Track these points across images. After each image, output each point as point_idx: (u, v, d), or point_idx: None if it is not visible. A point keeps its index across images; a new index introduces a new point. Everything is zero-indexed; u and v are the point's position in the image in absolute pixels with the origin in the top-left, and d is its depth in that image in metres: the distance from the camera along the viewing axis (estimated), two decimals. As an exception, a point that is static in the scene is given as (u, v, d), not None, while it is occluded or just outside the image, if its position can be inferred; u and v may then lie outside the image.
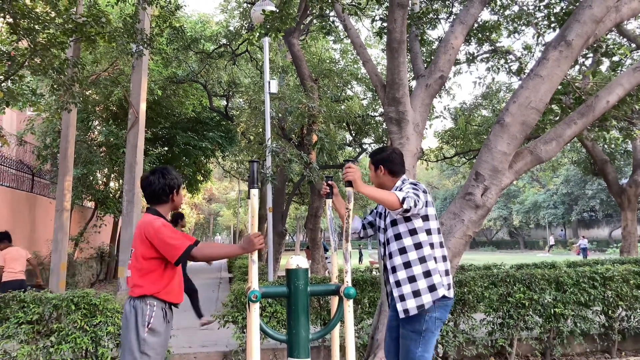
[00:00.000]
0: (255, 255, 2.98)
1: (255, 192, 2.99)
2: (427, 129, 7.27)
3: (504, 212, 54.32)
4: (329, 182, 3.41)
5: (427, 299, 3.14)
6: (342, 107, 12.69)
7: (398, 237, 3.25)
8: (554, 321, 6.35)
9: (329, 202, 3.39)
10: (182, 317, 9.36)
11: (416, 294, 3.15)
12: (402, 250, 3.22)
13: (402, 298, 3.18)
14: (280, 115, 10.72)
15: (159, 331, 3.05)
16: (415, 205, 3.08)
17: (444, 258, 3.29)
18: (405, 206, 3.04)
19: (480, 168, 5.01)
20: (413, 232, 3.22)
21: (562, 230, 52.34)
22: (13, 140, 14.96)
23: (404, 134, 5.32)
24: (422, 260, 3.18)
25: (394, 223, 3.30)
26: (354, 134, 15.00)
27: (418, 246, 3.20)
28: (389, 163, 3.47)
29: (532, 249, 50.78)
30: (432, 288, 3.15)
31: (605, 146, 14.86)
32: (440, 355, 5.70)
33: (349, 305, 2.95)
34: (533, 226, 54.36)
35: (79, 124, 14.26)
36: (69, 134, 10.44)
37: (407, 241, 3.21)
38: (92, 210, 17.41)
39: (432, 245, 3.23)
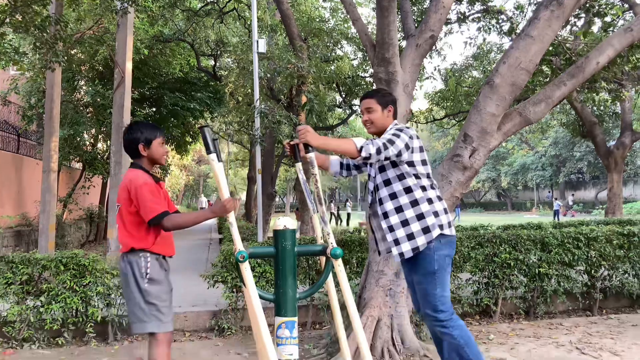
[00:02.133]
0: (232, 218, 2.97)
1: (213, 157, 2.95)
2: (417, 90, 7.22)
3: (493, 174, 54.66)
4: (291, 142, 3.30)
5: (421, 241, 3.17)
6: (332, 67, 12.55)
7: (387, 182, 3.27)
8: (538, 281, 6.47)
9: (298, 165, 3.37)
10: (172, 278, 9.43)
11: (410, 237, 3.18)
12: (393, 196, 3.24)
13: (396, 242, 3.22)
14: (269, 75, 10.57)
15: (159, 279, 3.09)
16: (380, 151, 3.07)
17: (439, 198, 3.31)
18: (363, 154, 3.04)
19: (468, 129, 5.00)
20: (401, 177, 3.23)
21: (549, 192, 52.84)
22: (-3, 100, 14.70)
23: (394, 95, 5.28)
24: (414, 203, 3.20)
25: (382, 169, 3.31)
26: (344, 95, 14.88)
27: (408, 190, 3.22)
28: (395, 105, 3.52)
29: (519, 211, 51.35)
30: (425, 230, 3.18)
31: (594, 108, 14.88)
32: (427, 313, 5.80)
33: (339, 265, 2.98)
34: (521, 188, 54.85)
35: (64, 83, 13.98)
36: (53, 94, 10.26)
37: (397, 186, 3.23)
38: (80, 172, 17.29)
39: (423, 188, 3.23)
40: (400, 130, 3.26)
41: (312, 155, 3.12)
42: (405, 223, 3.19)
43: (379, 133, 3.43)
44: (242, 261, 2.87)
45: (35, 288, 5.80)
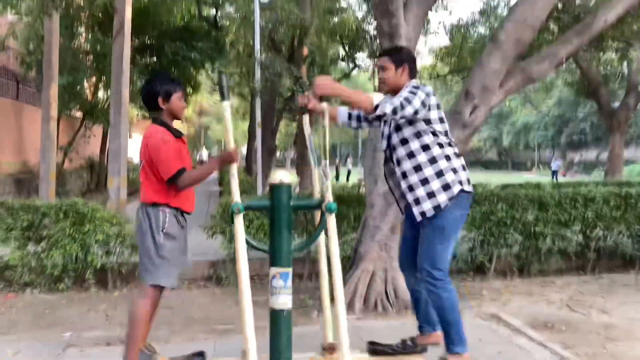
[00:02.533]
0: (234, 170, 3.00)
1: (226, 105, 2.94)
2: (419, 44, 7.08)
3: (494, 133, 54.44)
4: (306, 94, 3.30)
5: (442, 198, 3.10)
6: (336, 19, 12.30)
7: (404, 141, 3.17)
8: (533, 239, 6.53)
9: (306, 117, 3.33)
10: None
11: (430, 195, 3.11)
12: (411, 155, 3.15)
13: (417, 202, 3.15)
14: (270, 26, 10.37)
15: (175, 235, 3.12)
16: (396, 111, 2.99)
17: (457, 155, 3.23)
18: (378, 112, 2.98)
19: (471, 86, 4.95)
20: (418, 134, 3.14)
21: (550, 152, 52.78)
22: (-6, 45, 14.46)
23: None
24: (433, 160, 3.13)
25: (398, 128, 3.21)
26: (347, 48, 14.64)
27: (426, 148, 3.13)
28: (412, 63, 3.36)
29: (519, 170, 51.38)
30: (446, 187, 3.11)
31: (600, 68, 14.66)
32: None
33: (332, 220, 2.99)
34: (522, 147, 54.73)
35: (63, 30, 13.72)
36: (52, 41, 10.12)
37: (414, 144, 3.14)
38: (81, 121, 17.21)
39: (440, 145, 3.15)
40: (417, 87, 3.14)
41: (325, 105, 3.07)
42: (425, 182, 3.12)
43: (394, 93, 3.27)
44: (237, 213, 2.90)
45: (36, 234, 5.87)
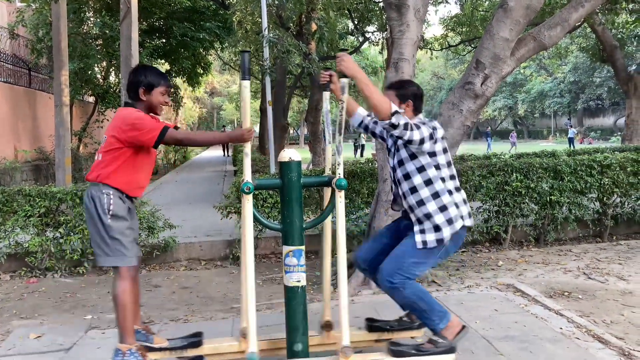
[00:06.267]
0: (247, 149, 3.01)
1: (246, 84, 2.94)
2: (430, 14, 6.97)
3: (510, 102, 53.72)
4: (329, 72, 3.29)
5: (446, 232, 3.10)
6: (343, -8, 12.11)
7: (407, 176, 3.17)
8: (549, 208, 6.48)
9: (326, 94, 3.32)
10: (187, 209, 9.63)
11: (437, 228, 3.10)
12: (413, 190, 3.15)
13: (422, 232, 3.14)
14: (277, 2, 10.26)
15: (122, 215, 3.10)
16: (407, 128, 2.97)
17: (458, 189, 3.22)
18: (393, 120, 2.93)
19: (481, 56, 4.86)
20: (421, 169, 3.13)
21: (568, 119, 52.05)
22: (5, 33, 14.53)
23: (404, 20, 5.09)
24: (435, 195, 3.11)
25: (400, 163, 3.21)
26: (355, 22, 14.45)
27: (428, 182, 3.12)
28: (418, 100, 3.30)
29: (535, 139, 50.84)
30: (450, 222, 3.11)
31: (615, 31, 14.32)
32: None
33: (340, 196, 2.99)
34: (538, 115, 54.01)
35: (71, 15, 13.73)
36: (60, 26, 10.11)
37: (417, 179, 3.13)
38: (93, 105, 17.31)
39: (443, 180, 3.14)
40: (423, 123, 3.12)
41: (345, 81, 3.04)
42: (428, 216, 3.11)
43: None
44: (248, 192, 2.91)
45: (54, 220, 5.96)
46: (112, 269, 3.15)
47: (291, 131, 51.34)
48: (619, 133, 36.49)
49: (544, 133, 52.25)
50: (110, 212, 3.06)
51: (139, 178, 3.20)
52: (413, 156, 3.14)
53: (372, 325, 3.44)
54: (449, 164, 3.21)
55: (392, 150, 3.32)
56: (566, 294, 4.73)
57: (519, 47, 4.95)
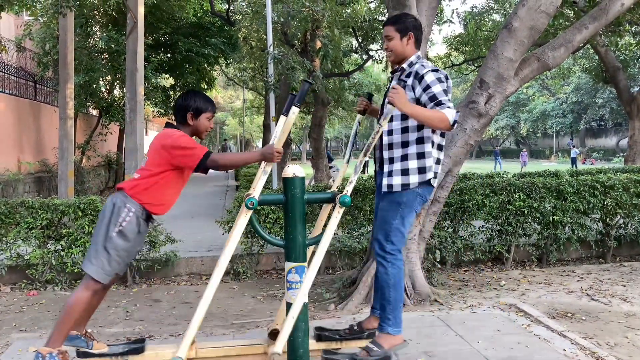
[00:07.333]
0: (268, 167, 3.03)
1: (295, 110, 3.04)
2: (434, 34, 7.02)
3: (512, 121, 53.81)
4: (367, 99, 3.41)
5: (413, 179, 3.14)
6: (348, 10, 12.22)
7: (404, 117, 3.17)
8: (552, 228, 6.47)
9: (358, 116, 3.35)
10: (189, 223, 9.61)
11: (404, 172, 3.15)
12: (404, 130, 3.18)
13: (390, 174, 3.19)
14: (282, 19, 10.35)
15: (128, 237, 3.08)
16: (451, 108, 3.04)
17: (440, 147, 3.25)
18: (454, 128, 3.05)
19: (485, 75, 4.89)
20: None
21: (570, 139, 52.08)
22: (12, 46, 14.65)
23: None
24: (420, 141, 3.15)
25: (404, 116, 3.22)
26: (360, 40, 14.54)
27: (420, 127, 3.15)
28: (418, 31, 3.31)
29: (538, 158, 50.80)
30: (421, 170, 3.15)
31: (618, 53, 14.39)
32: (438, 260, 5.87)
33: (338, 212, 2.98)
34: (540, 135, 54.05)
35: (77, 29, 13.86)
36: (67, 40, 10.21)
37: (412, 121, 3.15)
38: (97, 119, 17.37)
39: (433, 130, 3.16)
40: (437, 71, 3.15)
41: (390, 107, 3.05)
42: (404, 158, 3.17)
43: (399, 62, 3.30)
44: (251, 208, 2.91)
45: (56, 232, 5.95)
46: (85, 274, 3.12)
47: (293, 147, 51.40)
48: (622, 154, 36.49)
49: (547, 153, 52.23)
50: (119, 228, 3.05)
51: (168, 199, 3.21)
52: (417, 101, 3.15)
53: (321, 334, 3.39)
54: None
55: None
56: (569, 315, 4.70)
57: (522, 67, 4.98)
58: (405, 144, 3.17)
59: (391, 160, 3.20)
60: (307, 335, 3.02)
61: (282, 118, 3.19)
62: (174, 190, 3.22)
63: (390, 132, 3.23)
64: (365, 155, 3.09)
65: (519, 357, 3.67)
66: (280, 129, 3.17)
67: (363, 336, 3.35)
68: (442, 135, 3.26)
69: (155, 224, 6.32)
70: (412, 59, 3.27)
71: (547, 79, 34.96)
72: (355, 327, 3.40)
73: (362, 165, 3.11)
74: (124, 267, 3.23)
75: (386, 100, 3.17)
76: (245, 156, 3.42)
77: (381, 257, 3.19)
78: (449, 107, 3.00)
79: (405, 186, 3.15)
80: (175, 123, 3.28)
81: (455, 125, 3.03)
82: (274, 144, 3.07)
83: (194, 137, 3.24)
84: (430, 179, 3.17)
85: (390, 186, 3.18)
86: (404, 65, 3.27)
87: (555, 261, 6.64)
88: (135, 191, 3.09)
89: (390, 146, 3.22)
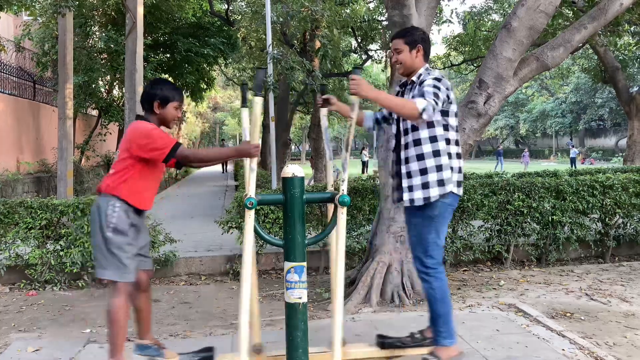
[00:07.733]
0: (254, 164, 3.02)
1: (259, 101, 2.99)
2: (434, 34, 7.03)
3: (511, 121, 53.84)
4: (324, 96, 3.37)
5: (434, 192, 3.14)
6: (347, 10, 12.23)
7: (414, 128, 3.20)
8: (551, 228, 6.47)
9: (323, 111, 3.33)
10: (188, 223, 9.61)
11: (425, 186, 3.16)
12: (417, 142, 3.19)
13: (410, 189, 3.20)
14: (282, 19, 10.35)
15: (123, 230, 3.07)
16: (434, 110, 3.03)
17: (458, 155, 3.26)
18: (425, 117, 3.00)
19: (484, 75, 4.89)
20: (430, 124, 3.16)
21: (570, 139, 52.10)
22: (11, 46, 14.65)
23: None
24: (436, 154, 3.16)
25: (414, 127, 3.24)
26: (359, 40, 14.56)
27: (433, 139, 3.16)
28: (426, 44, 3.34)
29: (537, 158, 50.83)
30: (440, 182, 3.15)
31: (617, 52, 14.41)
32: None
33: (342, 213, 2.98)
34: (539, 135, 54.09)
35: (76, 29, 13.85)
36: (66, 40, 10.20)
37: (424, 133, 3.16)
38: (97, 119, 17.37)
39: (447, 141, 3.18)
40: (439, 80, 3.16)
41: (355, 100, 3.07)
42: (424, 172, 3.16)
43: (409, 74, 3.32)
44: (250, 208, 2.92)
45: (55, 233, 5.95)
46: (109, 282, 3.12)
47: (293, 147, 51.46)
48: (621, 154, 36.52)
49: (546, 152, 52.27)
50: (112, 226, 3.04)
51: (145, 190, 3.20)
52: None
53: (384, 342, 3.42)
54: (456, 129, 3.27)
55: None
56: (568, 314, 4.70)
57: (521, 67, 4.98)
58: (420, 157, 3.17)
59: (409, 175, 3.21)
60: (306, 335, 3.02)
61: (245, 110, 3.17)
62: (149, 183, 3.21)
63: (406, 146, 3.24)
64: (347, 150, 3.06)
65: (518, 357, 3.67)
66: (247, 122, 3.11)
67: (425, 343, 3.38)
68: (457, 144, 3.27)
69: (154, 224, 6.32)
70: (421, 71, 3.29)
71: (546, 79, 35.00)
72: (417, 335, 3.44)
73: (347, 163, 3.05)
74: (139, 261, 3.22)
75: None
76: (219, 152, 3.38)
77: (424, 274, 3.23)
78: (425, 100, 3.00)
79: (426, 199, 3.16)
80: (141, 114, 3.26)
81: (425, 116, 2.99)
82: (248, 140, 3.04)
83: (162, 127, 3.22)
84: (450, 192, 3.18)
85: (412, 200, 3.19)
86: (414, 78, 3.29)
87: (554, 261, 6.64)
88: (112, 187, 3.10)
89: (407, 160, 3.23)
